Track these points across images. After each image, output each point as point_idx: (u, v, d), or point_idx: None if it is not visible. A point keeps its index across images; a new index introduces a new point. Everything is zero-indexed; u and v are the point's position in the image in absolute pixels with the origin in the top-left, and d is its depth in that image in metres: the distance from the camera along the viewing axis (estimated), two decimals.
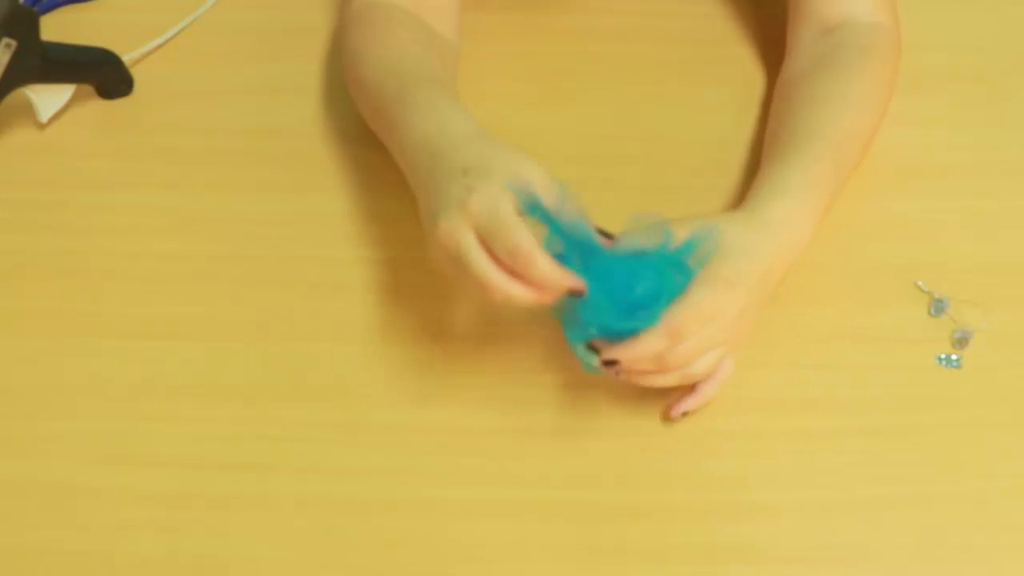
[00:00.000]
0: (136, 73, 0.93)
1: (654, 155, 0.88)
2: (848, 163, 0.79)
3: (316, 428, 0.73)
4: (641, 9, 0.98)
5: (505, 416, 0.73)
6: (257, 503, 0.70)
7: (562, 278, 0.65)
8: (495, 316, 0.77)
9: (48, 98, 0.88)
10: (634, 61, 0.95)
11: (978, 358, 0.76)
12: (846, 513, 0.69)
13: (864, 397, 0.74)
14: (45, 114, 0.88)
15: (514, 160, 0.67)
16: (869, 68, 0.83)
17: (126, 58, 0.92)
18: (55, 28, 0.91)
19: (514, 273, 0.65)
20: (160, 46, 0.96)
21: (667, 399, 0.73)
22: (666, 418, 0.73)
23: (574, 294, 0.65)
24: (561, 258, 0.66)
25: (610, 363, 0.67)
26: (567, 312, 0.68)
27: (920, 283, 0.80)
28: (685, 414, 0.72)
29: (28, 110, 0.88)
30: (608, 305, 0.66)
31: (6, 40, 0.81)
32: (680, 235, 0.69)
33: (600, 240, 0.68)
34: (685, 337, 0.67)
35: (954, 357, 0.76)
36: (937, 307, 0.78)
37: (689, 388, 0.71)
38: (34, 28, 0.83)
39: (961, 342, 0.77)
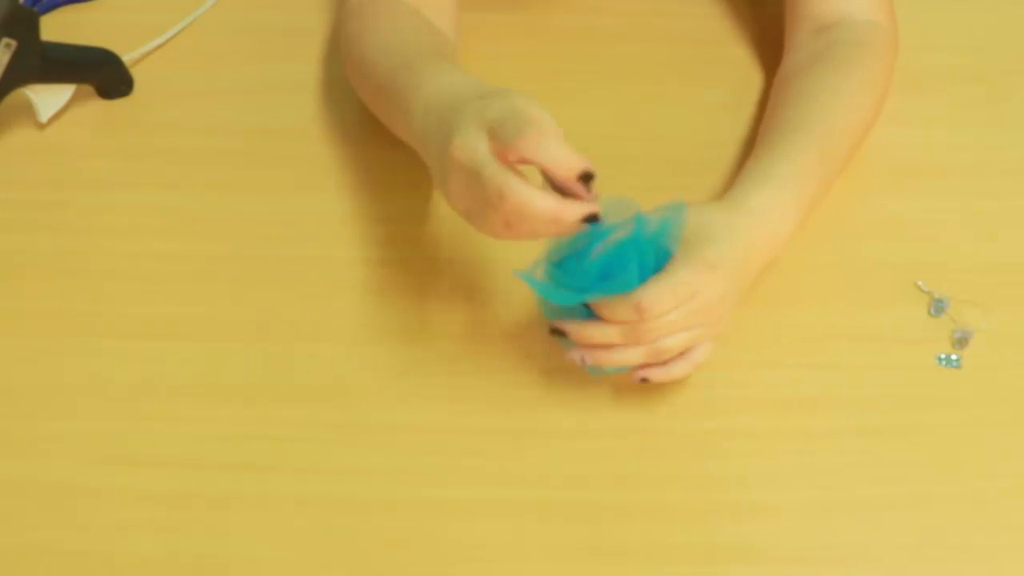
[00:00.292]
0: (136, 73, 0.93)
1: (653, 155, 0.88)
2: (836, 158, 0.80)
3: (316, 428, 0.73)
4: (641, 9, 0.98)
5: (505, 416, 0.73)
6: (257, 503, 0.70)
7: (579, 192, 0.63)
8: (495, 316, 0.77)
9: (48, 98, 0.88)
10: (633, 61, 0.95)
11: (978, 358, 0.76)
12: (846, 513, 0.69)
13: (864, 397, 0.74)
14: (45, 114, 0.88)
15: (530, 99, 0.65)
16: (862, 65, 0.83)
17: (126, 58, 0.92)
18: (55, 28, 0.91)
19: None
20: (160, 46, 0.96)
21: (667, 399, 0.73)
22: (630, 380, 0.71)
23: (590, 219, 0.63)
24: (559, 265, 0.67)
25: (559, 332, 0.67)
26: (553, 296, 0.68)
27: (920, 283, 0.80)
28: (644, 380, 0.70)
29: (28, 110, 0.88)
30: (584, 280, 0.67)
31: (6, 40, 0.81)
32: (653, 219, 0.68)
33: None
34: (657, 312, 0.66)
35: (954, 357, 0.76)
36: (937, 307, 0.78)
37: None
38: (34, 28, 0.83)
39: (961, 342, 0.77)
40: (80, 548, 0.68)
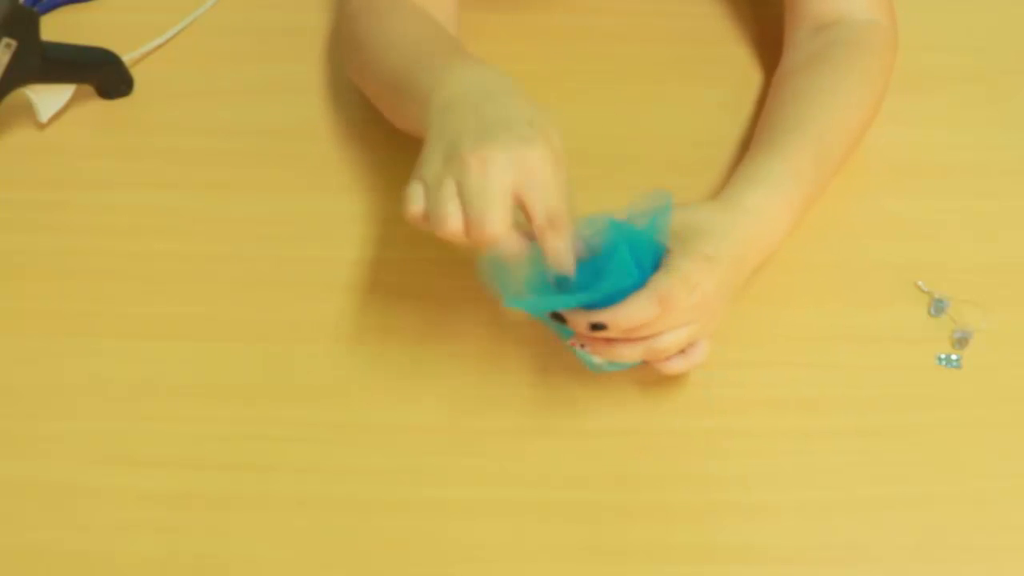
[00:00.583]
0: (136, 73, 0.93)
1: (653, 155, 0.88)
2: (832, 157, 0.79)
3: (316, 428, 0.73)
4: (641, 9, 0.98)
5: (505, 416, 0.73)
6: (257, 503, 0.70)
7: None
8: (495, 316, 0.77)
9: (48, 98, 0.88)
10: (633, 61, 0.95)
11: (978, 358, 0.76)
12: (846, 513, 0.69)
13: (864, 397, 0.74)
14: (45, 114, 0.88)
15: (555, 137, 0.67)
16: (859, 64, 0.83)
17: (126, 58, 0.92)
18: (55, 28, 0.91)
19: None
20: (160, 46, 0.96)
21: (666, 400, 0.73)
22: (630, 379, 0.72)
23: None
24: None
25: (597, 327, 0.66)
26: (547, 297, 0.68)
27: (920, 283, 0.80)
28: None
29: (28, 110, 0.88)
30: (581, 284, 0.67)
31: (6, 40, 0.81)
32: (640, 214, 0.68)
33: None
34: (674, 304, 0.66)
35: (954, 357, 0.76)
36: (937, 307, 0.78)
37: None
38: (34, 28, 0.83)
39: (961, 342, 0.77)
40: (80, 548, 0.68)
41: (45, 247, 0.82)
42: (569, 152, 0.81)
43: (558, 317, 0.68)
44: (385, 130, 0.82)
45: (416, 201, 0.66)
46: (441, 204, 0.64)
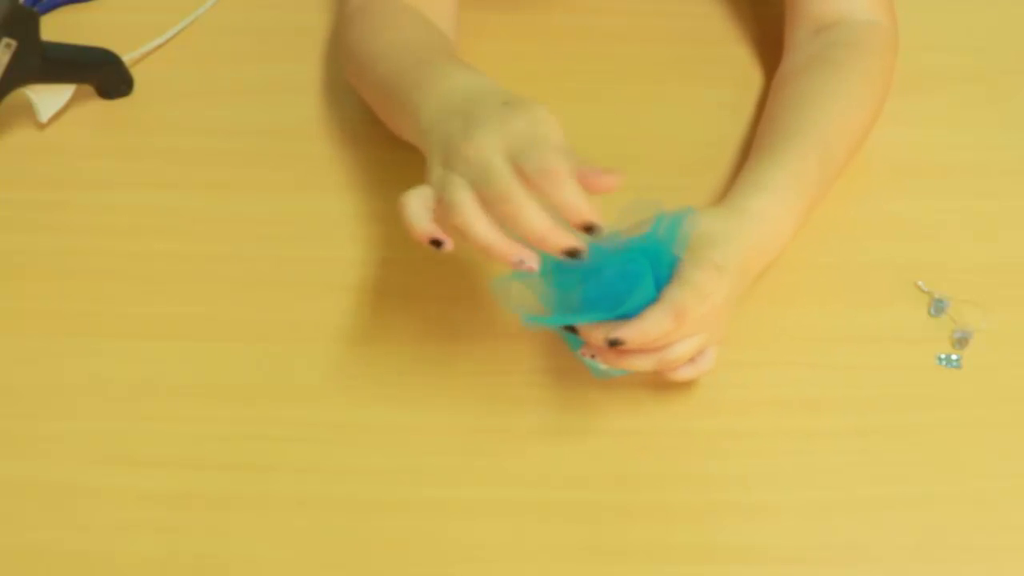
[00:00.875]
0: (136, 73, 0.93)
1: (654, 155, 0.88)
2: (835, 160, 0.79)
3: (316, 428, 0.73)
4: (641, 9, 0.98)
5: (506, 416, 0.73)
6: (257, 503, 0.70)
7: (565, 237, 0.63)
8: (495, 316, 0.77)
9: (48, 98, 0.88)
10: (633, 61, 0.95)
11: (978, 358, 0.76)
12: (846, 513, 0.69)
13: (864, 397, 0.74)
14: (45, 114, 0.88)
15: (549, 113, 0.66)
16: (860, 66, 0.83)
17: (126, 58, 0.92)
18: (55, 28, 0.91)
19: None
20: (160, 46, 0.96)
21: (666, 400, 0.73)
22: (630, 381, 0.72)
23: (572, 254, 0.63)
24: (558, 267, 0.67)
25: (614, 343, 0.65)
26: (563, 310, 0.68)
27: (920, 283, 0.80)
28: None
29: (28, 110, 0.88)
30: (603, 300, 0.66)
31: (6, 40, 0.81)
32: (660, 226, 0.68)
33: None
34: (688, 316, 0.66)
35: (954, 357, 0.76)
36: (937, 307, 0.78)
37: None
38: (34, 28, 0.83)
39: (961, 342, 0.77)
40: (80, 548, 0.68)
41: (45, 247, 0.82)
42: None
43: (570, 328, 0.68)
44: (385, 130, 0.82)
45: (409, 205, 0.64)
46: (454, 194, 0.63)
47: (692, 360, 0.70)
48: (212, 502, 0.70)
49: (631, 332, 0.65)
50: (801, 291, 0.79)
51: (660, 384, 0.73)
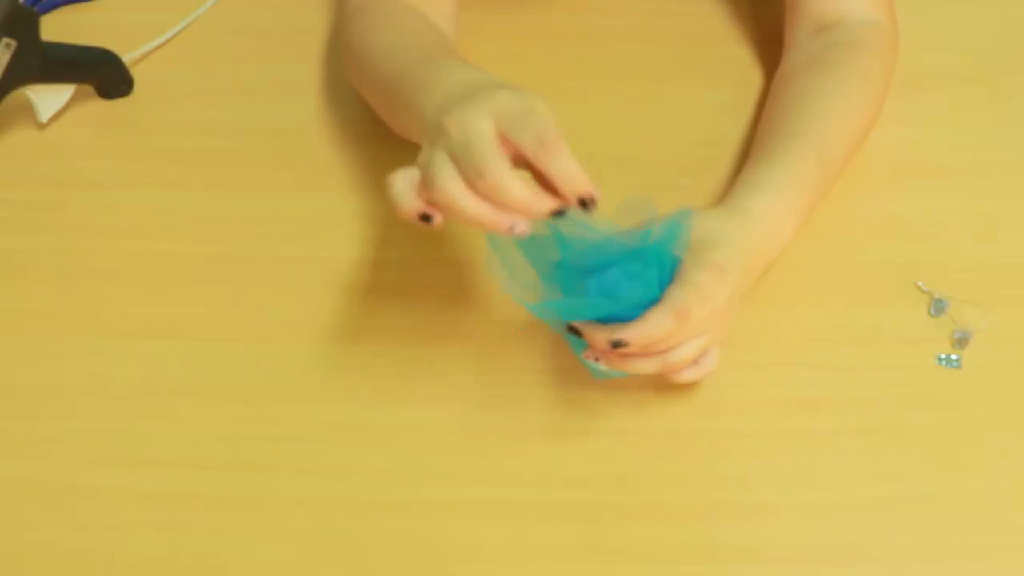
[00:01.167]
0: (136, 73, 0.93)
1: (653, 155, 0.88)
2: (835, 160, 0.79)
3: (316, 428, 0.73)
4: (641, 9, 0.98)
5: (505, 416, 0.73)
6: (257, 503, 0.70)
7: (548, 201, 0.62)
8: (495, 316, 0.77)
9: (48, 98, 0.88)
10: (633, 61, 0.95)
11: (978, 358, 0.76)
12: (846, 513, 0.69)
13: (864, 397, 0.74)
14: (45, 114, 0.88)
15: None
16: (860, 66, 0.83)
17: (126, 58, 0.92)
18: (55, 28, 0.91)
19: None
20: (160, 46, 0.96)
21: (666, 400, 0.73)
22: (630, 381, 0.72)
23: (558, 213, 0.62)
24: (560, 265, 0.66)
25: (617, 344, 0.65)
26: (568, 311, 0.68)
27: (920, 283, 0.80)
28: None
29: (28, 110, 0.88)
30: (605, 300, 0.66)
31: (6, 40, 0.81)
32: (661, 226, 0.68)
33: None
34: (690, 317, 0.65)
35: (954, 357, 0.76)
36: (937, 307, 0.78)
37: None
38: (34, 28, 0.83)
39: (961, 342, 0.77)
40: (80, 548, 0.68)
41: (45, 247, 0.82)
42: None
43: (573, 330, 0.68)
44: (384, 130, 0.82)
45: (395, 184, 0.64)
46: (435, 168, 0.63)
47: (695, 362, 0.70)
48: (212, 502, 0.70)
49: (634, 333, 0.65)
50: (801, 292, 0.79)
51: (660, 385, 0.73)
